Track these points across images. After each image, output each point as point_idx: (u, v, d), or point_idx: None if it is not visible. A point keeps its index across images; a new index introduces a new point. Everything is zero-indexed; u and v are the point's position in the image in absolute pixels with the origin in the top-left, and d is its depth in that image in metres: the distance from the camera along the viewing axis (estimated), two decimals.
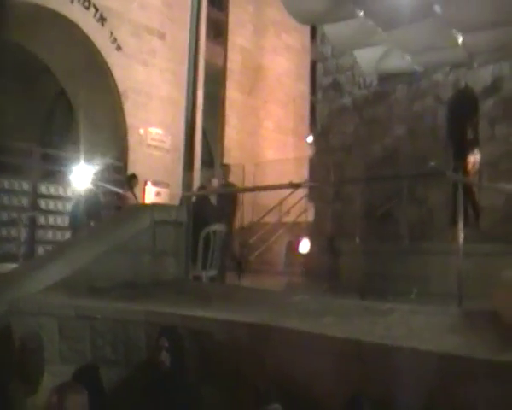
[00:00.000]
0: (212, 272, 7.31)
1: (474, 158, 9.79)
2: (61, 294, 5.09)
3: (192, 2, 8.49)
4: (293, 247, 11.68)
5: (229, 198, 9.58)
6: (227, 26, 15.79)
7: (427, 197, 9.74)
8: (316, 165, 12.32)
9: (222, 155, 14.15)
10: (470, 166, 9.77)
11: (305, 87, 17.12)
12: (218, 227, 7.44)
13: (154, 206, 6.74)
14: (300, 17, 9.60)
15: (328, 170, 10.92)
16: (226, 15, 15.82)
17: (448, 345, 3.59)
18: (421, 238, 8.95)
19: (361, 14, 7.86)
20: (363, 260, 8.99)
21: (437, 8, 7.58)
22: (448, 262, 8.17)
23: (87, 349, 4.60)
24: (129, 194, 10.23)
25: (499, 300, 4.17)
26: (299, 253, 11.40)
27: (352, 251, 9.39)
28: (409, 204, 9.41)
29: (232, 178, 10.34)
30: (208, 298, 5.20)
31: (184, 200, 6.85)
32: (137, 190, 11.21)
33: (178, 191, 12.62)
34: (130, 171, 11.88)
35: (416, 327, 4.16)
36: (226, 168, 10.49)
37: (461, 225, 5.45)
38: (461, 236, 5.43)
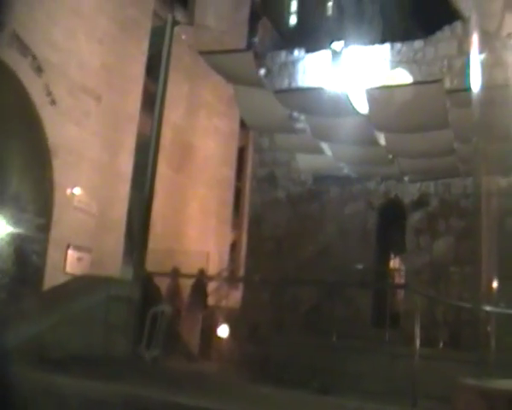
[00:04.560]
0: (155, 352, 7.12)
1: (399, 265, 10.49)
2: (16, 363, 4.80)
3: (159, 79, 8.66)
4: (212, 331, 11.55)
5: None
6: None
7: (354, 297, 10.17)
8: (248, 253, 12.43)
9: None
10: (395, 272, 10.45)
11: (230, 172, 17.42)
12: (165, 308, 7.34)
13: (110, 280, 6.62)
14: (254, 127, 10.65)
15: (259, 260, 11.13)
16: None
17: None
18: (348, 336, 9.26)
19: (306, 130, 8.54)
20: (291, 351, 9.13)
21: (381, 140, 8.37)
22: (376, 361, 8.60)
23: None
24: None
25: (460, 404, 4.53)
26: (219, 337, 11.31)
27: (279, 342, 9.50)
28: (336, 301, 9.75)
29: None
30: (176, 382, 5.10)
31: (136, 278, 6.80)
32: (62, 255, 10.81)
33: (101, 258, 12.35)
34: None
35: None
36: None
37: (417, 330, 5.83)
38: (417, 340, 5.80)
